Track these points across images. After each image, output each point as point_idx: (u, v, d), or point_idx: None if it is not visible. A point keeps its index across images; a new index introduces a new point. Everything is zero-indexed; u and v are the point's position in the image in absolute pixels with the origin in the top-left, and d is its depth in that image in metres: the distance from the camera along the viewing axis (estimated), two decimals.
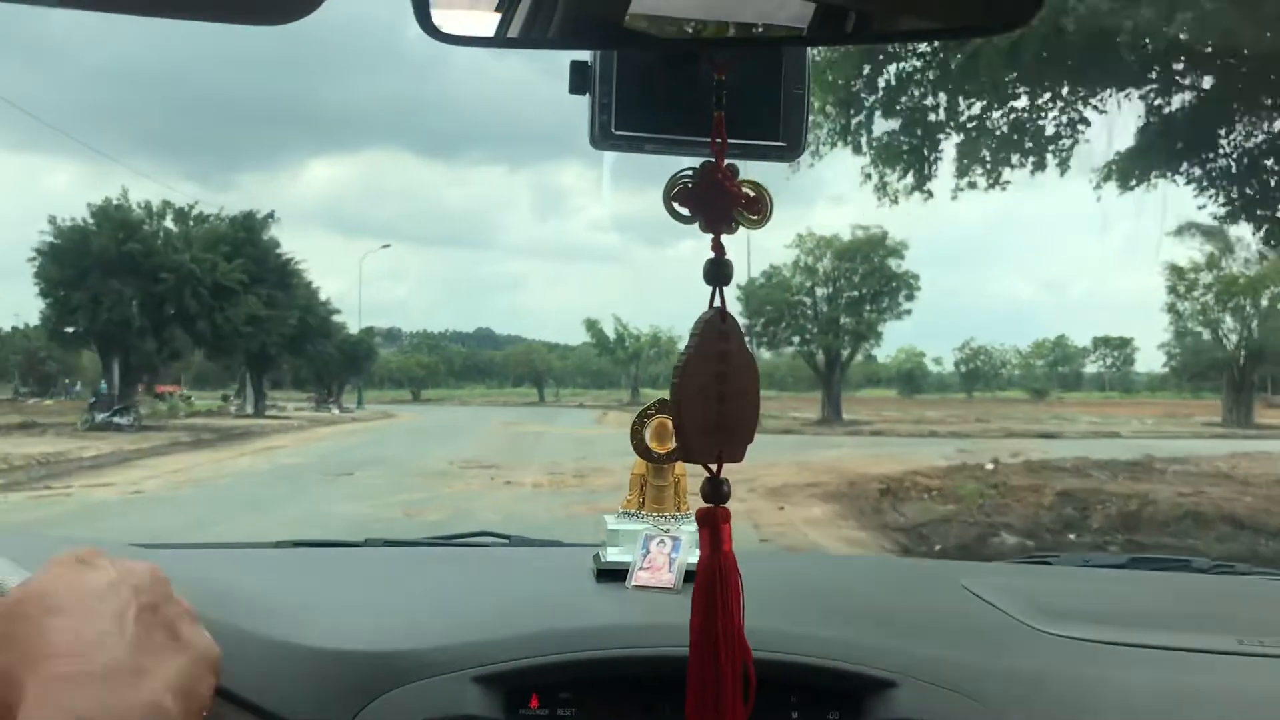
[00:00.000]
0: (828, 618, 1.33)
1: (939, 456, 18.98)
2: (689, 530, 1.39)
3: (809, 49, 0.86)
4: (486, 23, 0.82)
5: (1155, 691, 1.20)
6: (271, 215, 37.71)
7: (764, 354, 41.31)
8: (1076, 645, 1.28)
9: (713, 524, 0.80)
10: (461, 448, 22.91)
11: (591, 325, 56.93)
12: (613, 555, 1.44)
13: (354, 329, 48.47)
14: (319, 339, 40.47)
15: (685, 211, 0.79)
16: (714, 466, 0.79)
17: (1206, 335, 39.80)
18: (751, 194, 0.79)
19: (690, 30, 0.80)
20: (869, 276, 39.41)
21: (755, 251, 39.97)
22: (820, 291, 40.18)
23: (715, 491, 0.80)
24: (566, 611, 1.29)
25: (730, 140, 0.79)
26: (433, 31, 0.78)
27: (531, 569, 1.60)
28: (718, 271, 0.78)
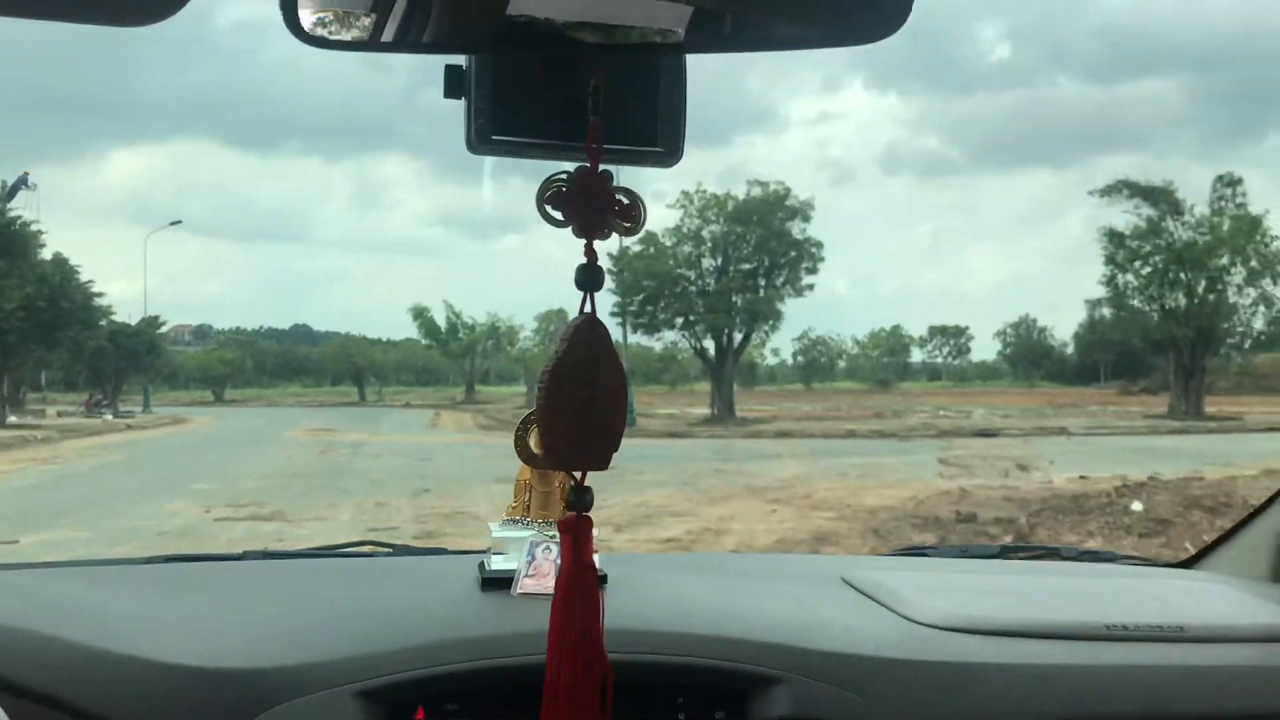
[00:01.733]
0: (713, 618, 1.34)
1: (934, 473, 14.14)
2: None
3: (686, 55, 0.86)
4: (359, 26, 0.80)
5: (1027, 675, 1.25)
6: (25, 181, 31.67)
7: (640, 340, 34.67)
8: (951, 635, 1.33)
9: (576, 533, 0.80)
10: (244, 470, 15.15)
11: (420, 314, 46.86)
12: (498, 563, 1.43)
13: (142, 319, 38.81)
14: (76, 327, 31.01)
15: (558, 215, 0.78)
16: (577, 475, 0.79)
17: (1147, 310, 33.11)
18: (625, 201, 0.79)
19: (567, 35, 0.79)
20: (765, 244, 31.38)
21: None
22: (708, 263, 32.06)
23: (579, 499, 0.80)
24: (451, 622, 1.28)
25: (608, 146, 0.79)
26: (301, 35, 0.76)
27: (416, 579, 1.57)
28: (589, 277, 0.78)
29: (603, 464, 0.79)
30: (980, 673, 1.25)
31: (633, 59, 0.85)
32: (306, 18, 0.76)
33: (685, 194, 31.64)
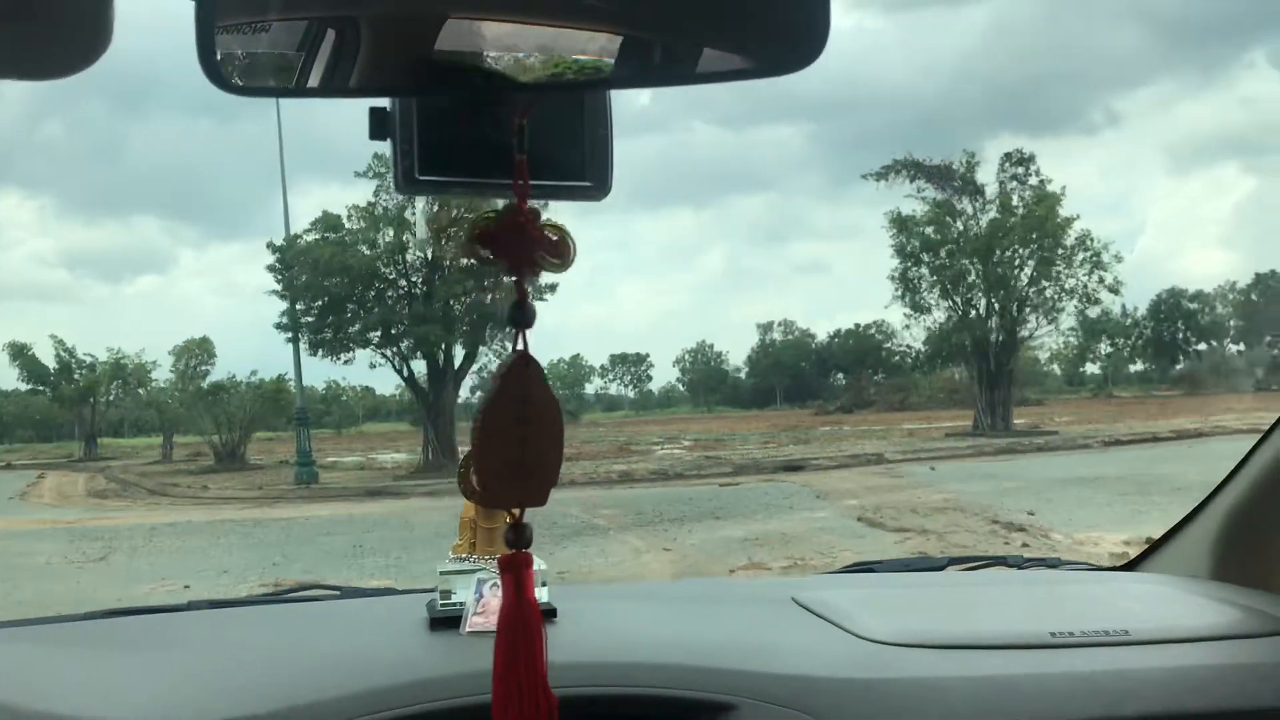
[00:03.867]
0: (663, 646, 1.34)
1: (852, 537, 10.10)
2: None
3: (610, 91, 0.87)
4: (280, 72, 0.80)
5: (978, 687, 1.25)
6: None
7: (319, 361, 23.01)
8: (901, 650, 1.33)
9: (515, 569, 0.80)
10: None
11: (20, 352, 33.74)
12: (445, 602, 1.42)
13: None
14: None
15: (487, 254, 0.78)
16: (516, 512, 0.79)
17: (944, 314, 26.44)
18: (554, 237, 0.79)
19: (490, 75, 0.79)
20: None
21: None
22: (414, 256, 21.99)
23: (519, 537, 0.80)
24: (400, 664, 1.27)
25: (536, 182, 0.79)
26: (220, 82, 0.74)
27: (364, 621, 1.56)
28: (520, 315, 0.78)
29: (539, 500, 0.79)
30: (932, 687, 1.25)
31: (557, 96, 0.85)
32: (226, 64, 0.75)
33: (380, 157, 18.17)
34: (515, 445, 0.77)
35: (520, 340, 0.78)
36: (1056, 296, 25.43)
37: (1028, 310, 25.50)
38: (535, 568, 1.20)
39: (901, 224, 26.26)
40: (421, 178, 0.82)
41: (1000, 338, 25.41)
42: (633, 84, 0.84)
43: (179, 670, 1.31)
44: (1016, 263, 25.44)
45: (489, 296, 21.33)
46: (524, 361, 0.77)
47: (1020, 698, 1.24)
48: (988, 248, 25.19)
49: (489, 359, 22.56)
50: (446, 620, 1.39)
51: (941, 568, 1.93)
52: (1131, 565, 1.94)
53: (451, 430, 21.91)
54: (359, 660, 1.30)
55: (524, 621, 0.80)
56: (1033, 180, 25.73)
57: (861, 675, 1.27)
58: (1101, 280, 24.94)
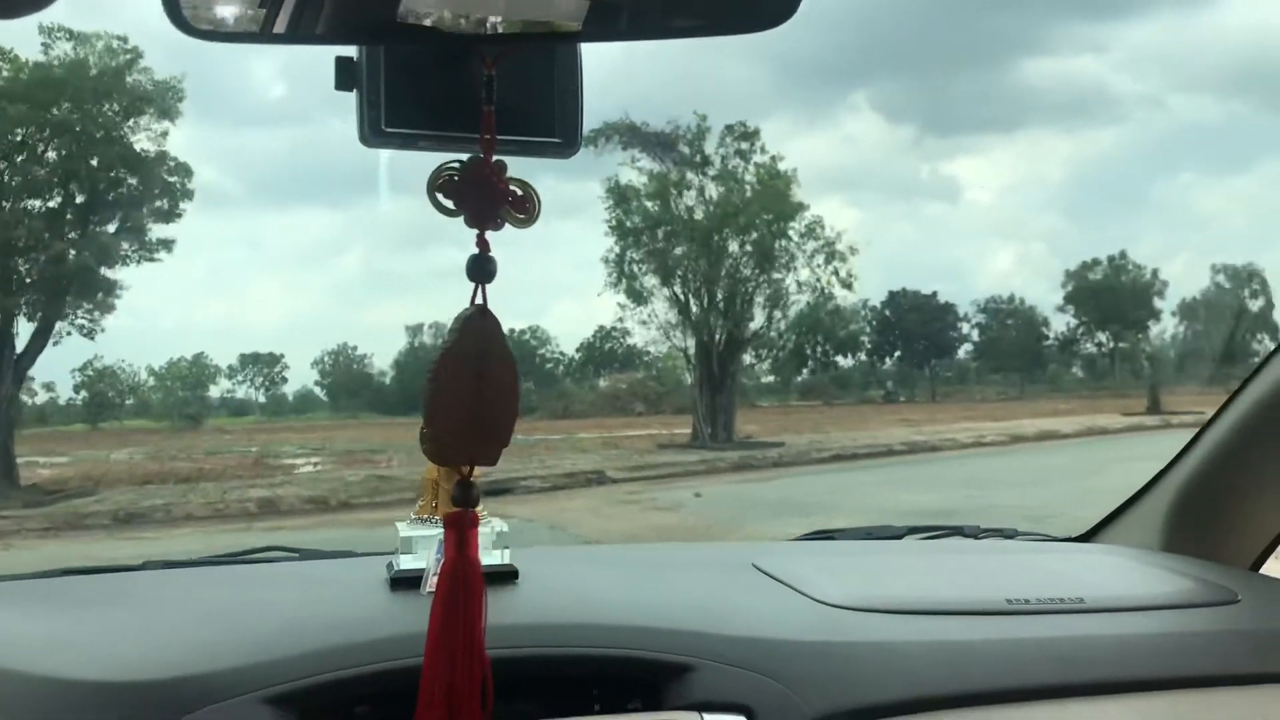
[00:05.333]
0: (624, 607, 1.34)
1: None
2: (484, 532, 1.37)
3: (580, 45, 0.86)
4: (245, 17, 0.78)
5: (934, 651, 1.27)
6: None
7: None
8: (859, 615, 1.35)
9: (460, 527, 0.80)
10: None
11: None
12: (406, 563, 1.42)
13: None
14: None
15: (450, 205, 0.77)
16: (465, 470, 0.79)
17: (669, 309, 21.35)
18: (519, 192, 0.79)
19: (460, 25, 0.78)
20: (86, 153, 15.50)
21: None
22: None
23: (465, 495, 0.80)
24: (360, 623, 1.26)
25: (506, 137, 0.79)
26: (184, 26, 0.75)
27: (323, 582, 1.55)
28: (481, 268, 0.77)
29: (491, 459, 0.78)
30: (890, 650, 1.27)
31: (527, 48, 0.84)
32: (189, 8, 0.74)
33: None
34: (471, 402, 0.76)
35: (480, 295, 0.77)
36: (785, 291, 21.30)
37: (756, 305, 21.27)
38: (496, 529, 1.39)
39: (621, 195, 21.24)
40: (388, 129, 0.81)
41: (724, 336, 21.06)
42: (605, 37, 0.81)
43: (133, 627, 1.30)
44: (744, 248, 21.09)
45: (75, 245, 14.44)
46: (482, 315, 0.77)
47: (977, 661, 1.26)
48: (710, 229, 20.78)
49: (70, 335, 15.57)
50: (407, 581, 1.39)
51: (900, 536, 1.95)
52: (1086, 537, 1.98)
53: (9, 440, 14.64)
54: (317, 619, 1.29)
55: (464, 579, 0.80)
56: (758, 157, 21.32)
57: (820, 638, 1.28)
58: (836, 274, 21.33)
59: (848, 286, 21.29)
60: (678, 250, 20.87)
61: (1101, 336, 57.22)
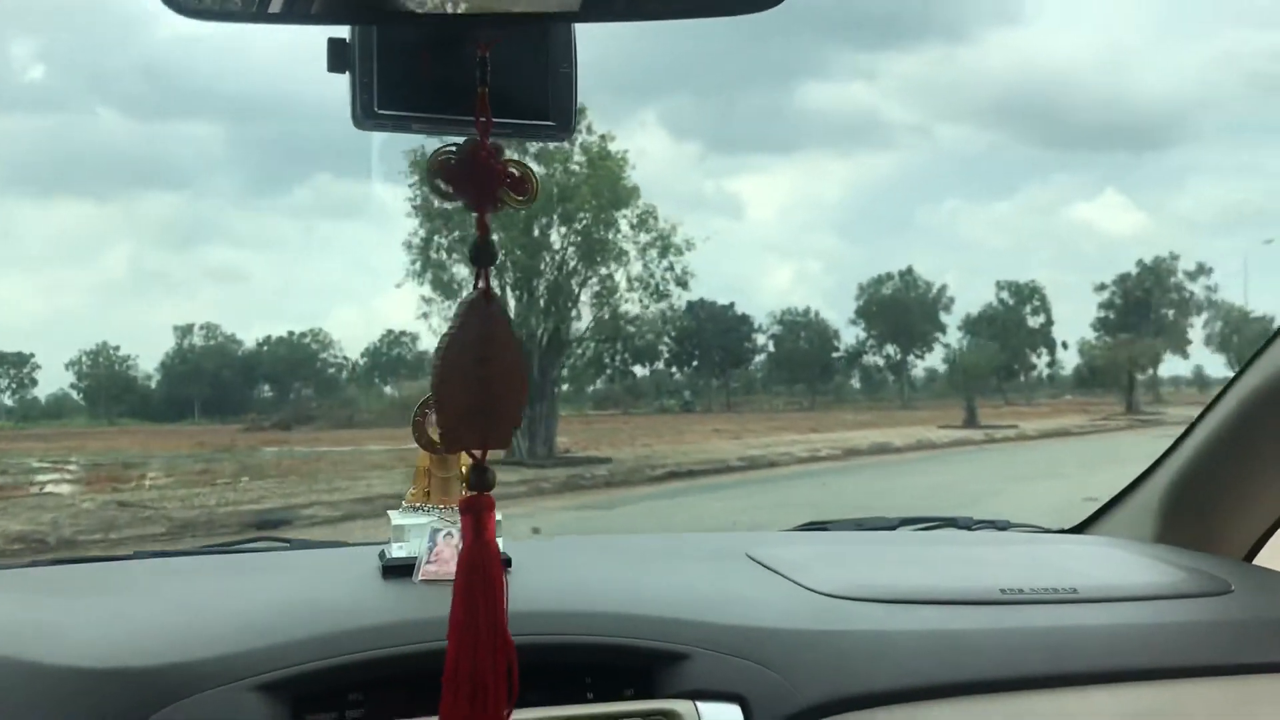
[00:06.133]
0: (618, 596, 1.33)
1: None
2: None
3: (575, 26, 0.85)
4: None
5: (928, 640, 1.27)
6: None
7: None
8: (853, 604, 1.35)
9: (476, 512, 0.79)
10: None
11: None
12: (398, 551, 1.41)
13: None
14: None
15: (448, 189, 0.77)
16: (478, 453, 0.78)
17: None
18: (517, 174, 0.78)
19: (453, 6, 0.77)
20: None
21: None
22: None
23: (479, 479, 0.79)
24: (352, 611, 1.25)
25: (500, 120, 0.78)
26: (177, 5, 0.74)
27: (315, 571, 1.53)
28: (482, 251, 0.77)
29: (503, 443, 0.78)
30: (883, 639, 1.26)
31: (521, 29, 0.83)
32: None
33: None
34: (477, 386, 0.75)
35: (482, 278, 0.76)
36: (614, 287, 18.39)
37: (584, 302, 18.35)
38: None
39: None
40: (381, 112, 0.80)
41: (546, 336, 17.97)
42: (599, 18, 0.80)
43: (123, 615, 1.29)
44: (570, 238, 18.07)
45: None
46: (485, 300, 0.76)
47: (970, 651, 1.26)
48: (531, 215, 17.43)
49: None
50: (399, 569, 1.38)
51: (894, 527, 1.93)
52: (1079, 528, 1.98)
53: None
54: (309, 607, 1.27)
55: (484, 565, 0.79)
56: (586, 136, 17.91)
57: (814, 627, 1.27)
58: (671, 269, 18.49)
59: (683, 285, 18.61)
60: (494, 237, 17.56)
61: (890, 349, 58.31)
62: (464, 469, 1.40)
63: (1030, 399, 50.61)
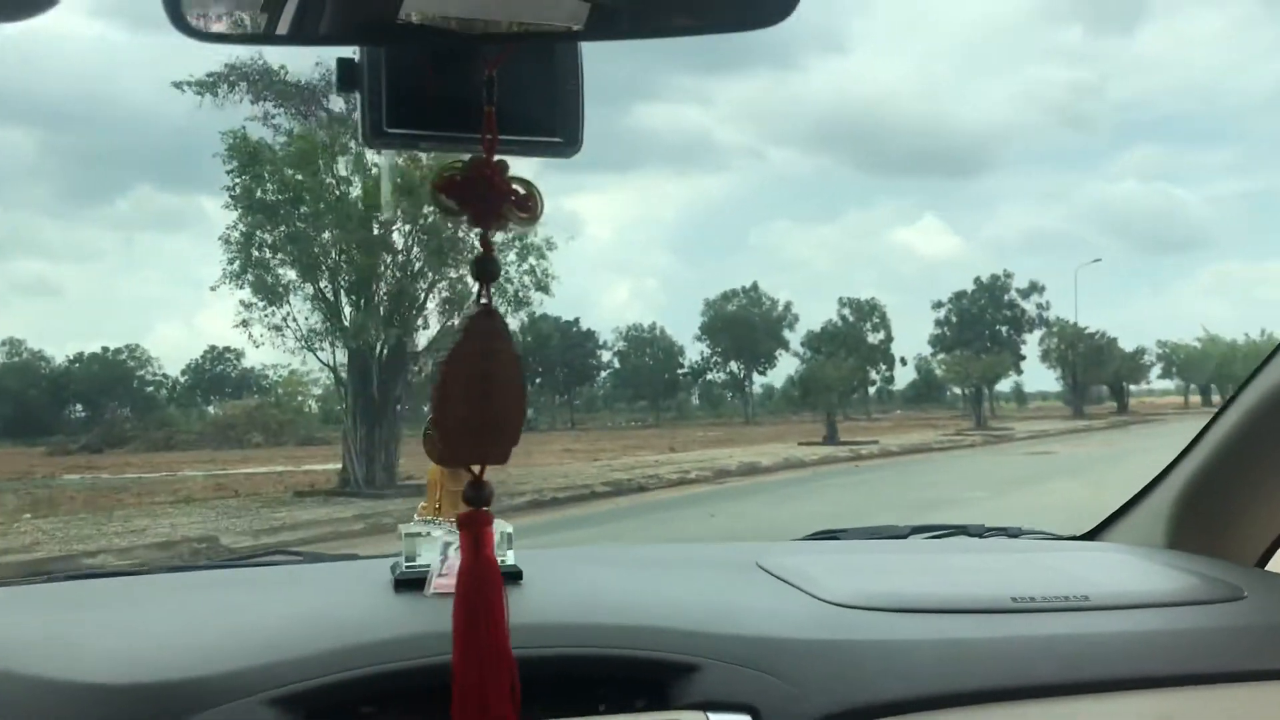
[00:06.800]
0: (628, 608, 1.33)
1: None
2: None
3: (580, 44, 0.85)
4: (248, 19, 0.79)
5: (939, 649, 1.26)
6: None
7: None
8: (864, 613, 1.34)
9: (474, 527, 0.79)
10: None
11: None
12: (411, 564, 1.41)
13: None
14: None
15: (453, 205, 0.77)
16: (476, 469, 0.78)
17: (313, 312, 15.66)
18: (522, 191, 0.78)
19: (460, 26, 0.78)
20: None
21: None
22: None
23: (477, 495, 0.79)
24: (364, 625, 1.25)
25: (507, 137, 0.78)
26: (185, 28, 0.74)
27: (328, 584, 1.54)
28: (485, 268, 0.77)
29: (502, 458, 0.78)
30: (894, 648, 1.26)
31: (527, 48, 0.83)
32: (190, 10, 0.74)
33: None
34: (478, 401, 0.75)
35: (484, 293, 0.77)
36: (466, 293, 14.46)
37: (428, 310, 15.62)
38: (501, 530, 1.29)
39: (250, 155, 14.83)
40: (390, 130, 0.80)
41: (387, 348, 15.49)
42: (604, 36, 0.81)
43: (137, 630, 1.30)
44: (416, 235, 15.23)
45: None
46: (487, 315, 0.76)
47: (981, 659, 1.25)
48: (370, 208, 14.85)
49: None
50: (411, 582, 1.38)
51: (905, 536, 1.94)
52: (1091, 535, 1.97)
53: None
54: (323, 621, 1.28)
55: (482, 581, 0.79)
56: None
57: (824, 636, 1.27)
58: (532, 272, 16.00)
59: (544, 290, 15.80)
60: (326, 235, 15.06)
61: (734, 365, 58.18)
62: None
63: (869, 414, 51.08)
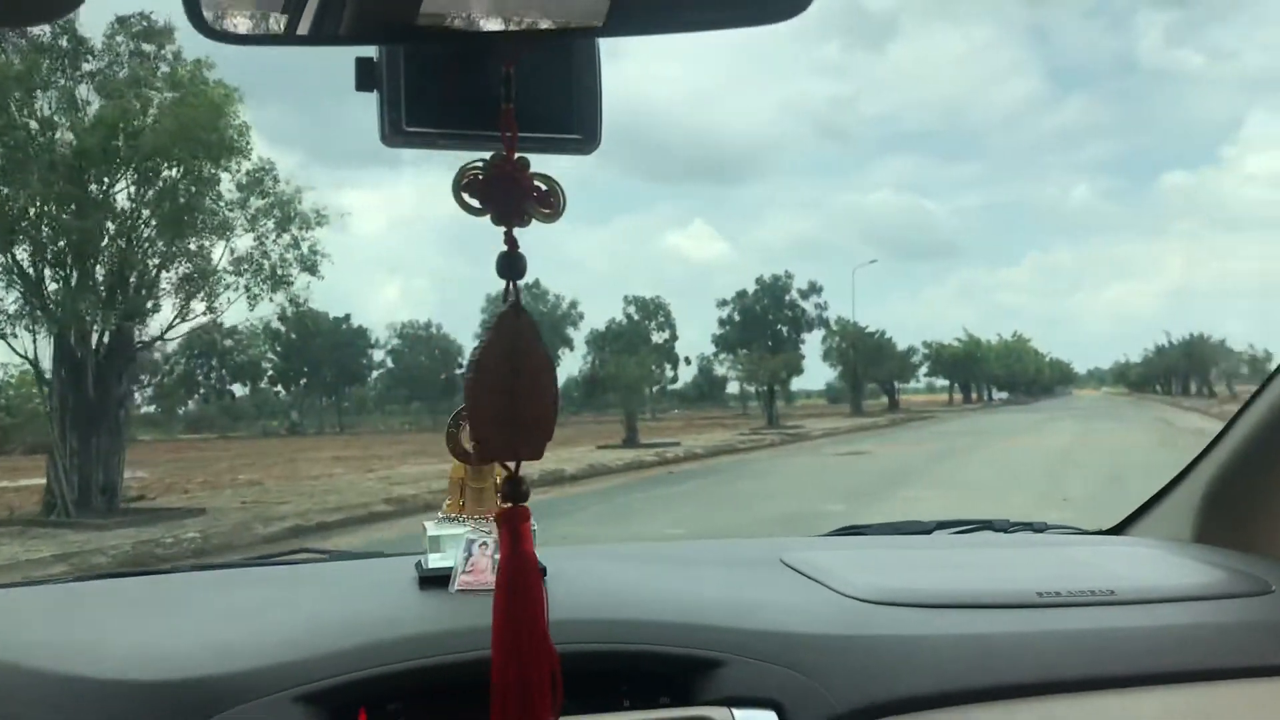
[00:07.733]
0: (652, 604, 1.33)
1: None
2: None
3: (598, 41, 0.85)
4: (266, 20, 0.78)
5: (964, 644, 1.26)
6: None
7: None
8: (888, 609, 1.34)
9: (512, 523, 0.80)
10: None
11: None
12: (434, 561, 1.42)
13: None
14: None
15: (475, 204, 0.77)
16: (512, 465, 0.79)
17: (6, 290, 12.03)
18: (544, 187, 0.78)
19: (477, 24, 0.78)
20: None
21: None
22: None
23: (514, 490, 0.79)
24: (389, 622, 1.25)
25: (526, 134, 0.78)
26: (204, 29, 0.75)
27: (352, 582, 1.55)
28: (511, 265, 0.77)
29: (537, 454, 0.78)
30: (918, 644, 1.25)
31: (544, 46, 0.83)
32: (210, 10, 0.74)
33: None
34: (509, 399, 0.76)
35: (511, 291, 0.77)
36: (210, 270, 12.55)
37: (161, 290, 12.45)
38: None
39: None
40: (409, 129, 0.81)
41: (106, 337, 12.34)
42: (621, 32, 0.81)
43: (164, 628, 1.30)
44: (144, 197, 12.15)
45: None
46: (515, 313, 0.77)
47: (1007, 655, 1.25)
48: (84, 163, 11.79)
49: None
50: (435, 579, 1.39)
51: (929, 531, 1.93)
52: (1117, 529, 1.96)
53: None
54: (349, 618, 1.28)
55: (522, 575, 0.80)
56: (170, 67, 12.26)
57: (848, 632, 1.27)
58: (296, 245, 12.90)
59: (311, 270, 12.73)
60: (24, 192, 11.62)
61: None
62: (497, 479, 1.36)
63: (652, 414, 50.12)
